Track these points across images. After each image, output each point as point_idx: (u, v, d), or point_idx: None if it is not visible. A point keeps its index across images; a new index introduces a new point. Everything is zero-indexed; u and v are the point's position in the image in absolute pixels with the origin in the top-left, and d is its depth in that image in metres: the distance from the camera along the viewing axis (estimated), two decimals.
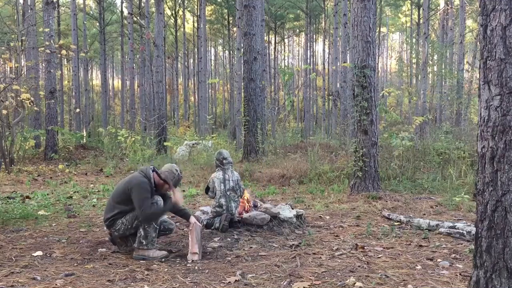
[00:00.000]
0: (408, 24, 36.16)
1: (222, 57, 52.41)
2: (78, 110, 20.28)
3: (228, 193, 5.09)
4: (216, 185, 5.11)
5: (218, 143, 15.31)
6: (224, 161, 5.21)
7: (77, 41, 20.86)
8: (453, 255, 4.04)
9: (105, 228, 4.26)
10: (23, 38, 14.40)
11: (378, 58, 40.29)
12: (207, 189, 5.21)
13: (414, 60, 23.12)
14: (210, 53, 48.39)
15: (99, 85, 37.22)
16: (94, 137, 18.62)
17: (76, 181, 9.17)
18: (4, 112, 10.11)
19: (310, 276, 3.47)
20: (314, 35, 40.67)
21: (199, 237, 4.07)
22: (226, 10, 34.34)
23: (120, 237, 4.15)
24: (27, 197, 7.04)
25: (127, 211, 4.02)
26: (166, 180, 4.10)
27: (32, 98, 10.07)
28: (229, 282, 3.37)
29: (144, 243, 4.00)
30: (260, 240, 4.63)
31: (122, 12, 28.99)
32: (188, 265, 3.83)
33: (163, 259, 3.96)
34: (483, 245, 2.57)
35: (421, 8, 23.26)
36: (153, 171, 4.13)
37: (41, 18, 15.30)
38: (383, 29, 42.13)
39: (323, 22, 34.94)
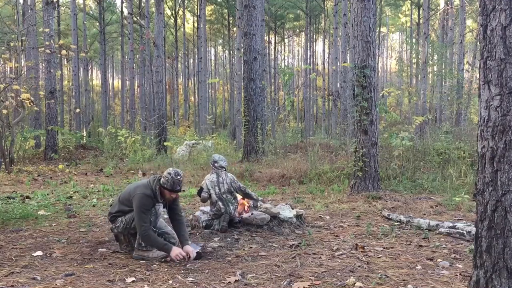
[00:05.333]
0: (408, 24, 36.17)
1: (222, 57, 52.43)
2: (78, 110, 20.27)
3: (224, 196, 5.05)
4: (209, 187, 5.07)
5: (218, 143, 15.31)
6: (216, 164, 5.18)
7: (77, 41, 20.86)
8: (453, 255, 4.04)
9: (111, 225, 4.28)
10: (23, 38, 14.40)
11: (378, 58, 40.30)
12: (200, 190, 5.14)
13: (414, 60, 23.12)
14: (210, 53, 48.41)
15: (99, 85, 37.22)
16: (94, 137, 18.64)
17: (76, 181, 9.17)
18: (4, 112, 10.11)
19: (310, 276, 3.47)
20: (314, 35, 40.69)
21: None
22: (226, 10, 34.35)
23: (123, 235, 4.16)
24: (27, 197, 7.05)
25: (126, 212, 4.07)
26: (163, 186, 3.99)
27: (32, 98, 10.07)
28: (229, 282, 3.37)
29: (143, 245, 4.01)
30: (260, 240, 4.63)
31: (122, 12, 28.99)
32: (188, 265, 3.84)
33: (162, 259, 3.96)
34: (483, 245, 2.57)
35: (421, 8, 23.27)
36: (158, 180, 4.03)
37: (41, 18, 15.31)
38: (383, 29, 42.14)
39: (323, 22, 34.95)
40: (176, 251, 3.85)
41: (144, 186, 4.02)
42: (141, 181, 4.22)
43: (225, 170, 5.25)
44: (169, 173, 3.99)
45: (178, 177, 3.99)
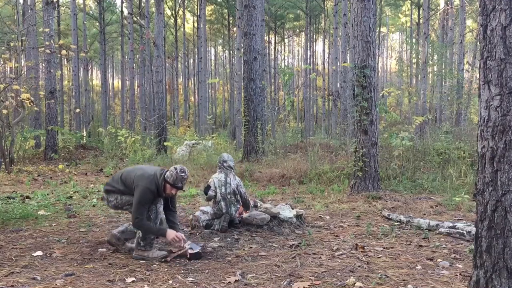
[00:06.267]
0: (408, 24, 36.18)
1: (222, 57, 52.43)
2: (78, 110, 20.27)
3: (228, 196, 5.05)
4: (216, 186, 5.08)
5: (218, 143, 15.31)
6: (224, 164, 5.18)
7: (77, 41, 20.86)
8: (453, 255, 4.04)
9: (103, 194, 4.24)
10: (23, 38, 14.40)
11: (378, 58, 40.29)
12: (206, 188, 5.15)
13: (414, 60, 23.12)
14: (210, 53, 48.41)
15: (99, 85, 37.22)
16: (94, 137, 18.64)
17: (76, 181, 9.17)
18: (4, 112, 10.11)
19: (310, 276, 3.47)
20: (314, 35, 40.70)
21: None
22: (226, 10, 34.36)
23: (116, 239, 4.17)
24: (27, 197, 7.04)
25: (123, 192, 4.04)
26: (166, 180, 3.96)
27: (32, 98, 10.07)
28: (229, 282, 3.37)
29: (142, 244, 4.00)
30: (260, 240, 4.63)
31: (122, 12, 29.00)
32: (188, 265, 3.84)
33: (162, 260, 3.96)
34: (483, 245, 2.57)
35: (421, 8, 23.27)
36: (165, 174, 4.01)
37: (41, 18, 15.32)
38: (383, 29, 42.15)
39: (323, 22, 34.96)
40: (172, 234, 3.89)
41: (150, 179, 3.95)
42: (149, 170, 4.10)
43: (233, 171, 5.25)
44: (175, 168, 3.97)
45: (183, 174, 3.96)
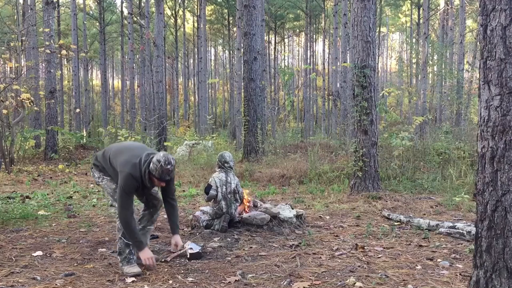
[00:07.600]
0: (408, 24, 36.18)
1: (222, 57, 52.44)
2: (78, 110, 20.28)
3: (229, 196, 5.06)
4: (218, 185, 5.08)
5: (218, 143, 15.32)
6: (226, 164, 5.18)
7: (77, 41, 20.86)
8: (453, 255, 4.04)
9: (92, 165, 4.03)
10: (23, 38, 14.40)
11: (378, 58, 40.29)
12: (208, 188, 5.12)
13: (414, 60, 23.09)
14: (210, 53, 48.41)
15: (99, 85, 37.21)
16: (94, 137, 18.63)
17: (76, 181, 9.17)
18: (4, 112, 10.12)
19: (310, 276, 3.47)
20: (314, 35, 40.68)
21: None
22: (226, 10, 34.35)
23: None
24: (27, 197, 7.05)
25: (109, 168, 3.80)
26: (151, 173, 3.55)
27: (32, 98, 10.07)
28: (229, 282, 3.37)
29: (119, 259, 3.73)
30: (260, 240, 4.63)
31: (122, 12, 28.99)
32: (188, 265, 3.83)
33: (163, 260, 3.91)
34: (483, 245, 2.58)
35: (421, 8, 23.26)
36: (149, 163, 3.59)
37: (41, 18, 15.33)
38: (383, 29, 42.12)
39: (323, 22, 34.95)
40: (146, 254, 3.59)
41: (134, 165, 3.58)
42: (136, 153, 3.68)
43: (233, 170, 5.26)
44: (158, 161, 3.51)
45: (168, 167, 3.51)
